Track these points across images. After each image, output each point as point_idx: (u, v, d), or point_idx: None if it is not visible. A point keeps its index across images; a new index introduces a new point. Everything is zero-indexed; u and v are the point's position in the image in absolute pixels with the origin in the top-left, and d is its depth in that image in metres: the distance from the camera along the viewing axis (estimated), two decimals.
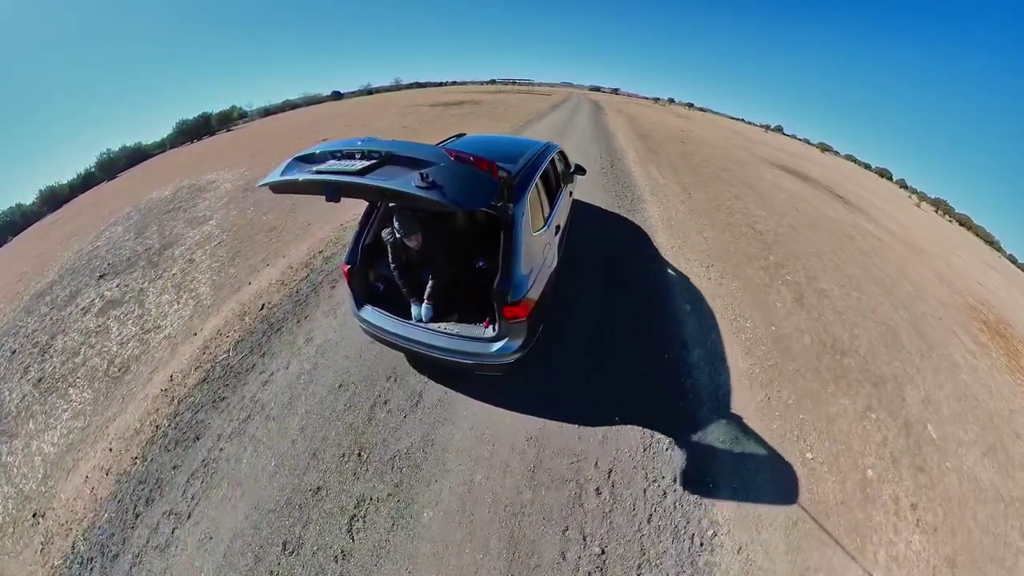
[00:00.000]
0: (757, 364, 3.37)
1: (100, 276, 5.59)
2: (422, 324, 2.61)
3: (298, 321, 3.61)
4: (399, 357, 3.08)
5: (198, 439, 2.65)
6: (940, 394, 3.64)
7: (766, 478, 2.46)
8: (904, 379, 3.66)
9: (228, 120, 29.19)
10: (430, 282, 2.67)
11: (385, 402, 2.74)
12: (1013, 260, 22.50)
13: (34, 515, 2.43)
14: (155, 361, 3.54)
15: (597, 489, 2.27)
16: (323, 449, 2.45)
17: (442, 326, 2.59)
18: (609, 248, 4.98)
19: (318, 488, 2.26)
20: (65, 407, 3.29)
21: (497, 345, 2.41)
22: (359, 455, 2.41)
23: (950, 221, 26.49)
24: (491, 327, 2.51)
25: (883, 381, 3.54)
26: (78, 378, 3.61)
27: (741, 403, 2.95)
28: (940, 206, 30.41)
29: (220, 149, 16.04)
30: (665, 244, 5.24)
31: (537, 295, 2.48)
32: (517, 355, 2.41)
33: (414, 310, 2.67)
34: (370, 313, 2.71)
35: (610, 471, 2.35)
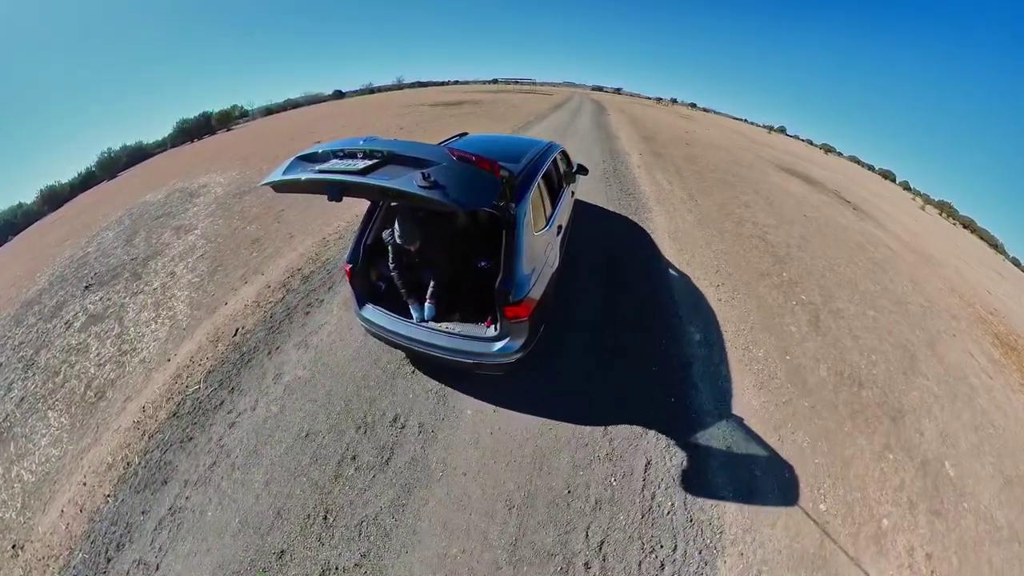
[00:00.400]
0: (770, 401, 3.14)
1: (86, 287, 5.51)
2: (424, 323, 2.60)
3: (268, 353, 3.42)
4: (368, 406, 2.86)
5: (166, 483, 2.50)
6: (957, 424, 3.42)
7: (774, 535, 2.25)
8: (922, 411, 3.44)
9: (228, 119, 29.05)
10: (432, 282, 2.66)
11: (353, 457, 2.51)
12: (1016, 263, 22.06)
13: (14, 546, 2.36)
14: (129, 388, 3.41)
15: (586, 564, 2.04)
16: (288, 508, 2.26)
17: (444, 325, 2.59)
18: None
19: (282, 552, 2.08)
20: (44, 432, 3.18)
21: (498, 345, 2.41)
22: (324, 518, 2.21)
23: (954, 224, 25.98)
24: (492, 327, 2.50)
25: (901, 415, 3.32)
26: (57, 400, 3.50)
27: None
28: (944, 208, 29.80)
29: (218, 149, 15.91)
30: (673, 258, 5.01)
31: (539, 295, 2.47)
32: (518, 355, 2.42)
33: (414, 311, 2.66)
34: (372, 312, 2.70)
35: (602, 543, 2.12)
